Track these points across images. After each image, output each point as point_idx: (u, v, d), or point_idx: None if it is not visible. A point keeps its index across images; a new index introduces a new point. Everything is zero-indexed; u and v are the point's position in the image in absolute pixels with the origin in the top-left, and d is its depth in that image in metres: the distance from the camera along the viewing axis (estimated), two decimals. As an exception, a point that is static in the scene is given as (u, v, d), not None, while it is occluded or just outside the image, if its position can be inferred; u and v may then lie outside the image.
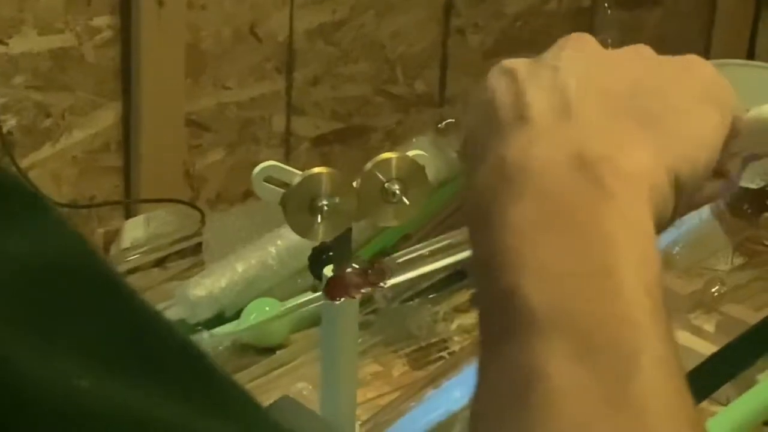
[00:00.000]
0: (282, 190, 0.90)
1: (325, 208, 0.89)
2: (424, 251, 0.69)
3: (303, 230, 0.90)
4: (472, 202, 0.50)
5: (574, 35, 0.56)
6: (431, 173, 1.41)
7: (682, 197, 0.52)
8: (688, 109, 0.54)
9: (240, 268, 1.25)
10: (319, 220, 0.90)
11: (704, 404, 1.07)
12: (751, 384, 1.11)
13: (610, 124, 0.51)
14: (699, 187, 0.54)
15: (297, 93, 1.51)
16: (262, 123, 1.50)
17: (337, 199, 0.90)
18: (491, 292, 0.47)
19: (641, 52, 0.56)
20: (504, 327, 0.46)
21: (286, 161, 1.54)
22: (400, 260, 0.69)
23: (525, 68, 0.53)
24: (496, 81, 0.53)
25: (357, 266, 0.71)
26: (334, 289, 0.72)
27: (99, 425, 0.34)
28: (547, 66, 0.53)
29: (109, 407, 0.34)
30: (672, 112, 0.53)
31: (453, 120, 1.50)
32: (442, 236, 0.70)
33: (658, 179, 0.50)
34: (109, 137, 1.39)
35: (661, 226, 0.50)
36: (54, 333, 0.34)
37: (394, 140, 1.59)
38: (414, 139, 1.46)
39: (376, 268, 0.69)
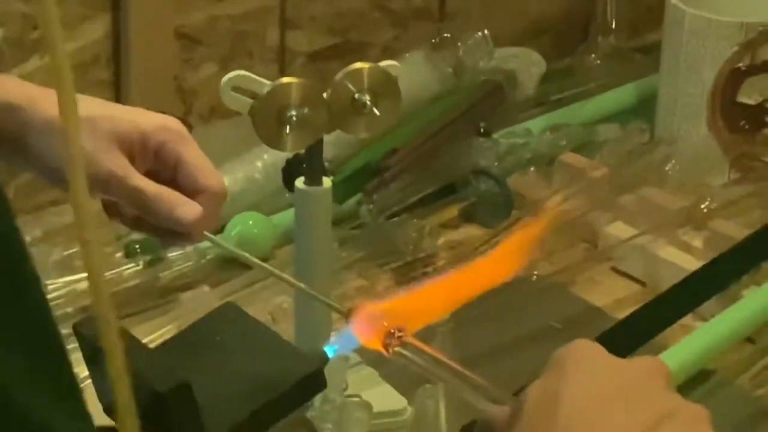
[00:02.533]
0: (251, 101, 0.90)
1: (294, 118, 0.89)
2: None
3: (272, 141, 0.90)
4: None
5: None
6: (422, 88, 1.40)
7: None
8: None
9: (226, 182, 1.24)
10: (287, 130, 0.89)
11: (687, 319, 1.06)
12: (735, 300, 1.10)
13: None
14: None
15: (291, 7, 1.49)
16: (256, 37, 1.48)
17: (306, 110, 0.89)
18: None
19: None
20: None
21: (281, 77, 1.53)
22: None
23: None
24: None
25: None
26: None
27: None
28: None
29: None
30: None
31: (447, 35, 1.48)
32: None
33: None
34: (99, 50, 1.37)
35: None
36: None
37: (391, 56, 1.56)
38: (407, 54, 1.44)
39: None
